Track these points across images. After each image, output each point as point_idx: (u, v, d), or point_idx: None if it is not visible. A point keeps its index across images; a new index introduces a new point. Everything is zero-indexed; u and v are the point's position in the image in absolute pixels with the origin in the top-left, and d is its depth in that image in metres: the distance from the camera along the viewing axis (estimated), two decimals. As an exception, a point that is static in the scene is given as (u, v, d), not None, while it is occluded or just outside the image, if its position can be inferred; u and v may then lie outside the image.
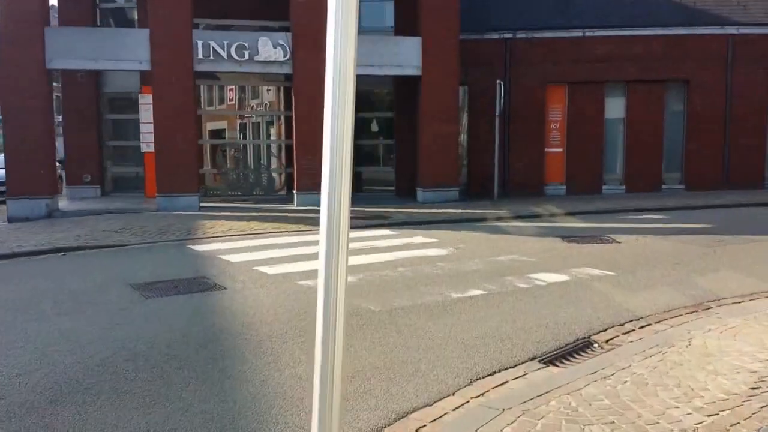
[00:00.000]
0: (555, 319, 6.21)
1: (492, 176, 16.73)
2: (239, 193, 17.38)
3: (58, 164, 16.71)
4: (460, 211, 14.43)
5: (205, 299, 7.11)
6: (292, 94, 15.67)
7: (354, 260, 9.06)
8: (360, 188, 18.54)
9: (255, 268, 8.64)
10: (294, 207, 15.36)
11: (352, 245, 10.74)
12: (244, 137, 20.71)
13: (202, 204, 15.67)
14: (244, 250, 9.95)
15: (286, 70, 15.38)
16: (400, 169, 17.97)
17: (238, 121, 21.40)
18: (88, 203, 16.81)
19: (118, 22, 18.96)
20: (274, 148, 19.15)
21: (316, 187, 15.80)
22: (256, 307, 6.73)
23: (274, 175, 18.58)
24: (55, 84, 19.73)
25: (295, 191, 15.86)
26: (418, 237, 11.10)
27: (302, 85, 15.33)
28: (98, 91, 18.33)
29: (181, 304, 6.92)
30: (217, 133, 21.02)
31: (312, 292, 7.27)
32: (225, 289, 7.54)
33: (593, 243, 10.35)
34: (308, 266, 8.66)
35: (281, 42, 15.13)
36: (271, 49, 15.08)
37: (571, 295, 7.12)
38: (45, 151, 14.45)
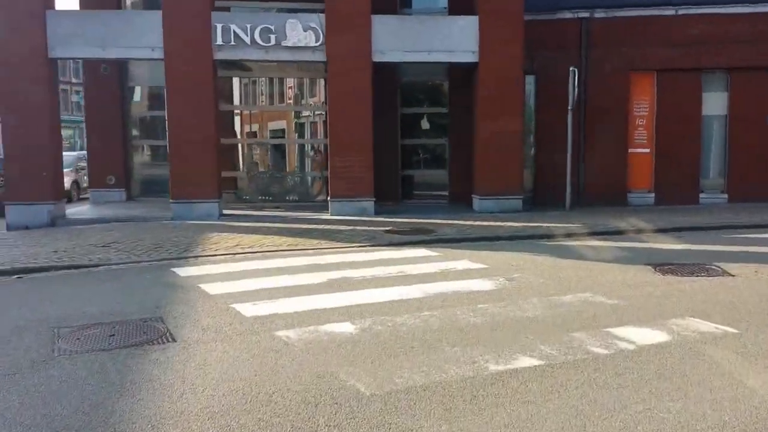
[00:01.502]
0: (655, 425, 3.74)
1: (563, 182, 14.10)
2: (270, 198, 15.38)
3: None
4: (521, 224, 11.90)
5: (133, 360, 4.97)
6: (326, 85, 13.55)
7: (369, 296, 6.79)
8: (410, 195, 16.24)
9: (233, 305, 6.48)
10: (327, 216, 13.20)
11: (374, 271, 8.50)
12: (302, 136, 18.69)
13: (226, 211, 13.76)
14: (235, 277, 7.83)
15: (319, 57, 13.23)
16: (455, 173, 15.56)
17: (295, 120, 19.43)
18: (105, 209, 15.17)
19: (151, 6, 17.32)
20: (310, 148, 17.07)
21: (352, 193, 13.69)
22: (194, 378, 4.55)
23: (310, 178, 16.47)
24: (74, 80, 18.38)
25: (329, 198, 13.71)
26: (463, 261, 8.70)
27: (336, 74, 13.18)
28: (123, 85, 16.77)
29: (98, 368, 4.80)
30: (277, 133, 19.03)
31: (288, 352, 5.04)
32: (173, 341, 5.39)
33: (697, 275, 7.68)
34: (300, 304, 6.45)
35: (313, 25, 13.01)
36: (301, 32, 12.97)
37: (675, 372, 4.60)
38: (48, 152, 12.82)
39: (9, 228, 12.72)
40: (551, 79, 14.61)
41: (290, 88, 19.04)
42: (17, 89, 12.53)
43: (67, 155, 24.64)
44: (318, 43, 13.04)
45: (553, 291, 6.95)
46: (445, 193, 15.87)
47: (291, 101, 18.70)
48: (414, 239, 10.35)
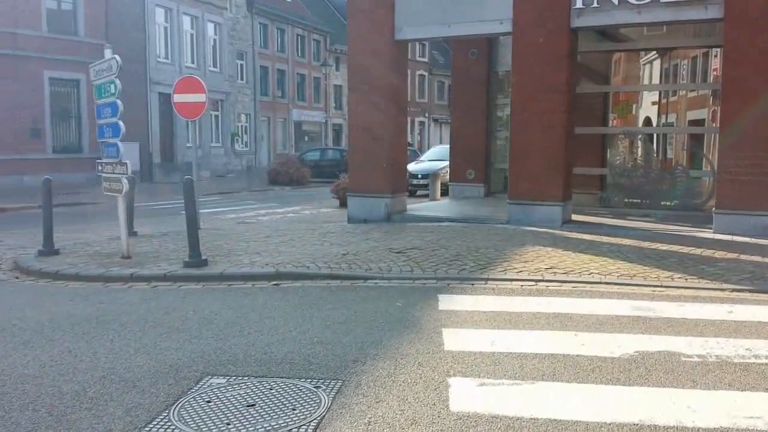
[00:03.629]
0: None
1: None
2: (640, 203, 12.04)
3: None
4: None
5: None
6: (722, 53, 9.75)
7: (695, 406, 3.73)
8: None
9: (453, 378, 4.16)
10: (706, 235, 9.49)
11: (730, 347, 4.25)
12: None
13: (576, 217, 11.15)
14: (501, 322, 5.39)
15: (713, 13, 9.51)
16: None
17: (714, 107, 15.40)
18: (453, 206, 13.96)
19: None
20: (698, 141, 12.97)
21: (752, 203, 9.59)
22: None
23: (695, 179, 12.45)
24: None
25: (713, 209, 9.92)
26: None
27: (738, 34, 9.32)
28: (490, 70, 15.30)
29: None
30: (697, 124, 15.26)
31: None
32: (304, 440, 3.37)
33: None
34: (555, 404, 3.76)
35: (707, -33, 9.38)
36: (689, -20, 9.47)
37: None
38: (389, 143, 11.97)
39: (350, 220, 12.34)
40: None
41: (714, 70, 14.98)
42: (366, 75, 11.96)
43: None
44: (713, -7, 9.38)
45: None
46: None
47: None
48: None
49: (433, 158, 23.52)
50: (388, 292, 6.55)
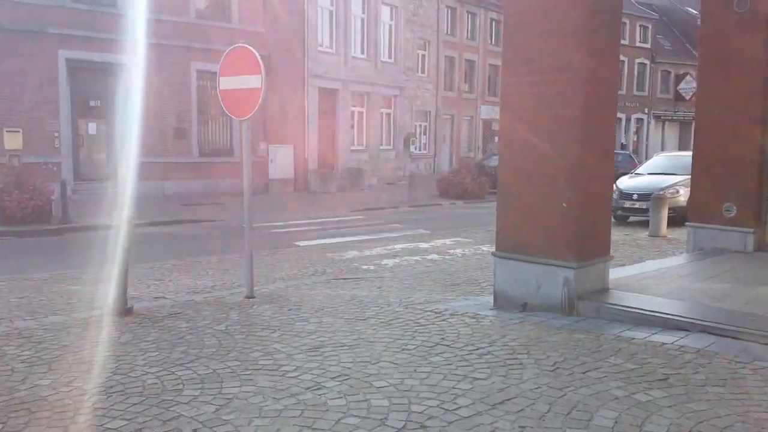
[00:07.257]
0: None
1: None
2: None
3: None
4: None
5: None
6: None
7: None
8: None
9: None
10: None
11: None
12: None
13: None
14: None
15: None
16: None
17: None
18: (691, 276, 7.79)
19: None
20: None
21: None
22: None
23: None
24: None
25: None
26: None
27: None
28: (773, 32, 8.76)
29: None
30: None
31: None
32: None
33: None
34: None
35: None
36: None
37: None
38: (575, 164, 6.19)
39: (496, 302, 6.77)
40: None
41: None
42: (532, 35, 6.33)
43: None
44: None
45: None
46: None
47: None
48: None
49: (656, 171, 16.88)
50: None
